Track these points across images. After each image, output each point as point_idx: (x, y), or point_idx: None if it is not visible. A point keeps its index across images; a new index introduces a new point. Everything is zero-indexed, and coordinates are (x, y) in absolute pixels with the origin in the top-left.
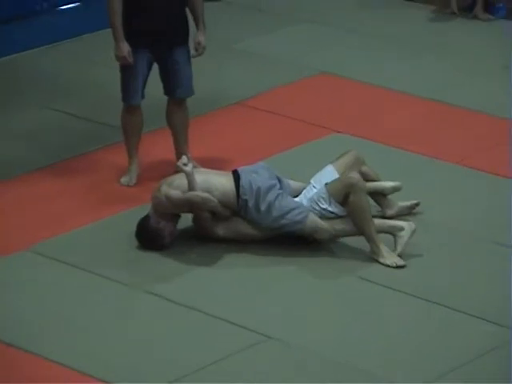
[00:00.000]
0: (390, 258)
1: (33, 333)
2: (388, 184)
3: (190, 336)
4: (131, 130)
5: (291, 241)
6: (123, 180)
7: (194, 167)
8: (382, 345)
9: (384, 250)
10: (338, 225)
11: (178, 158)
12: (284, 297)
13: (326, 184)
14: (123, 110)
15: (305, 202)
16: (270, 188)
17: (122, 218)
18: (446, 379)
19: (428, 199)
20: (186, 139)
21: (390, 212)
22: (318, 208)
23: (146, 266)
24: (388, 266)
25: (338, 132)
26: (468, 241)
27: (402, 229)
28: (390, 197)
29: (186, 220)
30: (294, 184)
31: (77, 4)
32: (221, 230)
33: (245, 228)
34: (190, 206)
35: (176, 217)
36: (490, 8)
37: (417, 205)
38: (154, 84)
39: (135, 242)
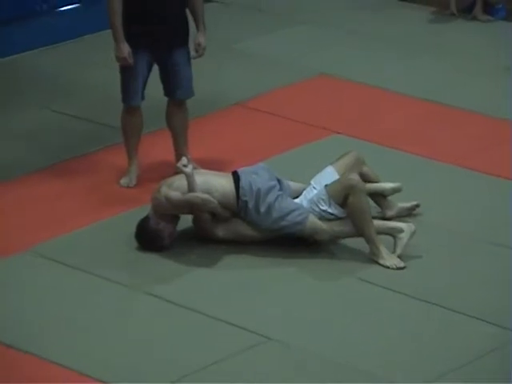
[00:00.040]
0: (390, 260)
1: (33, 334)
2: (388, 185)
3: (189, 337)
4: (131, 131)
5: (291, 242)
6: (123, 181)
7: (194, 168)
8: (382, 345)
9: (384, 251)
10: (338, 226)
11: (178, 159)
12: (284, 298)
13: (326, 185)
14: (123, 110)
15: (305, 203)
16: (270, 189)
17: (121, 219)
18: (446, 379)
19: (427, 200)
20: (186, 140)
21: (389, 213)
22: (317, 209)
23: (145, 267)
24: (388, 267)
25: (338, 133)
26: (467, 242)
27: (401, 230)
28: (389, 198)
29: (186, 221)
30: (294, 185)
31: (76, 5)
32: (221, 231)
33: (244, 229)
34: (190, 207)
35: (176, 218)
36: (489, 9)
37: (417, 206)
38: (154, 85)
39: (135, 243)
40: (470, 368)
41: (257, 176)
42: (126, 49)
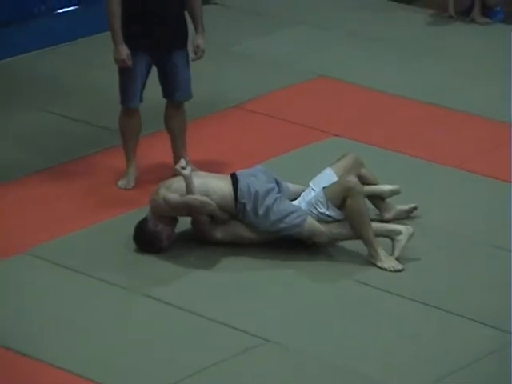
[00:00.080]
0: (388, 262)
1: (31, 336)
2: (386, 187)
3: (188, 339)
4: (129, 133)
5: (289, 244)
6: (121, 183)
7: (192, 170)
8: (380, 348)
9: (382, 253)
10: (336, 228)
11: (176, 161)
12: (282, 300)
13: (324, 188)
14: (121, 113)
15: (303, 205)
16: (268, 192)
17: (120, 221)
18: (444, 382)
19: (426, 203)
20: (184, 142)
21: (387, 215)
22: (315, 212)
23: (144, 269)
24: (386, 269)
25: (336, 135)
26: (466, 244)
27: (399, 232)
28: (388, 200)
29: (185, 223)
30: (292, 187)
31: (75, 7)
32: (219, 234)
33: (243, 231)
34: (188, 209)
35: (174, 220)
36: (487, 12)
37: (415, 208)
38: (152, 87)
39: (133, 245)
40: (468, 371)
41: (255, 178)
42: (124, 51)
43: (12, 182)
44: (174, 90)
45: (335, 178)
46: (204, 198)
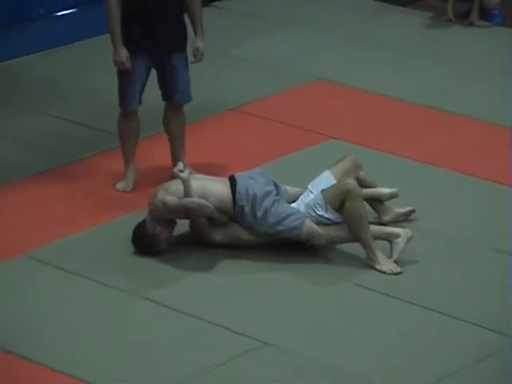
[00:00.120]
0: (386, 265)
1: (31, 339)
2: (385, 190)
3: (186, 341)
4: (128, 136)
5: (288, 247)
6: (119, 186)
7: (190, 173)
8: (379, 350)
9: (380, 256)
10: (335, 231)
11: (175, 163)
12: (281, 303)
13: (323, 190)
14: (120, 115)
15: (302, 208)
16: (267, 194)
17: (118, 223)
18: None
19: (424, 206)
20: (183, 145)
21: (386, 218)
22: (314, 214)
23: (142, 272)
24: (384, 272)
25: (334, 138)
26: (465, 247)
27: (398, 235)
28: (386, 203)
29: (183, 225)
30: (291, 189)
31: (73, 10)
32: (218, 236)
33: (241, 233)
34: (187, 212)
35: (172, 223)
36: (485, 15)
37: (413, 211)
38: (151, 90)
39: (132, 248)
40: (466, 374)
41: (253, 181)
42: (123, 53)
43: (11, 184)
44: (174, 93)
45: (334, 181)
46: (202, 201)
